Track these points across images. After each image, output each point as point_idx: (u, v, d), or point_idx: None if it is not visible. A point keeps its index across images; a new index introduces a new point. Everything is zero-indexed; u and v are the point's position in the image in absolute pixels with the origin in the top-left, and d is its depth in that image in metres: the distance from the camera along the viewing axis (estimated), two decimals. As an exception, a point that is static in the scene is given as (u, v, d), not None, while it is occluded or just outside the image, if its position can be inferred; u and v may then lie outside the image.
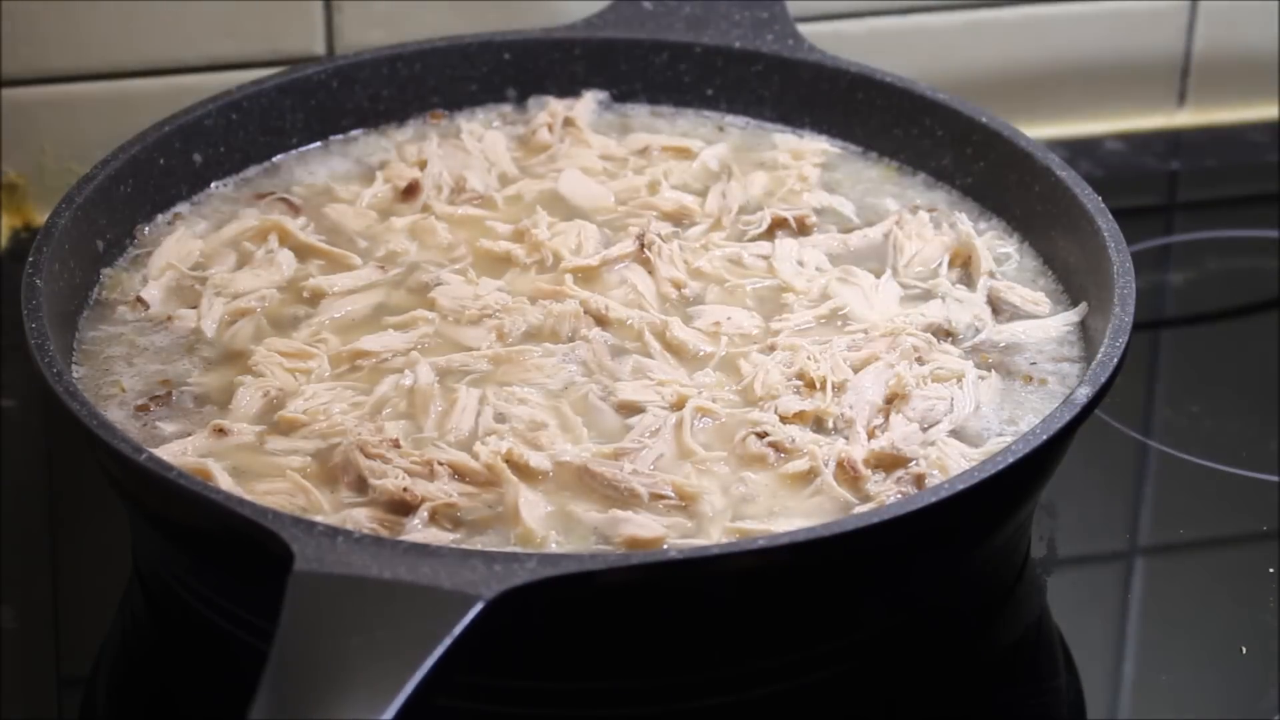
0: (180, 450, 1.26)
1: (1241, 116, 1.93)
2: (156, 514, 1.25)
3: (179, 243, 1.45)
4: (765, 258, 1.45)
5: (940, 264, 1.45)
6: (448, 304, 1.39)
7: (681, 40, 1.60)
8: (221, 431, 1.27)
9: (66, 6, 1.68)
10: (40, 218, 1.72)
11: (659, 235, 1.44)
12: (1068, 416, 1.22)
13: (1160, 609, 1.40)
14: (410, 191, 1.51)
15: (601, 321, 1.38)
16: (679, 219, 1.50)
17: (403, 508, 1.21)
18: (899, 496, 1.23)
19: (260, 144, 1.54)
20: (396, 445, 1.25)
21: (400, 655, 1.03)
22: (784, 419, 1.29)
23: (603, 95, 1.62)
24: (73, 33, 1.69)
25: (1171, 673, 1.34)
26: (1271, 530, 1.44)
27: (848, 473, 1.25)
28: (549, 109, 1.60)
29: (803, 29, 1.60)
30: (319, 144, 1.57)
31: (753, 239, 1.47)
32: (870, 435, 1.28)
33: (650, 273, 1.42)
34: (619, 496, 1.23)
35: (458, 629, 1.04)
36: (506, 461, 1.25)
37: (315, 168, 1.55)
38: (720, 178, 1.54)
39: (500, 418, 1.29)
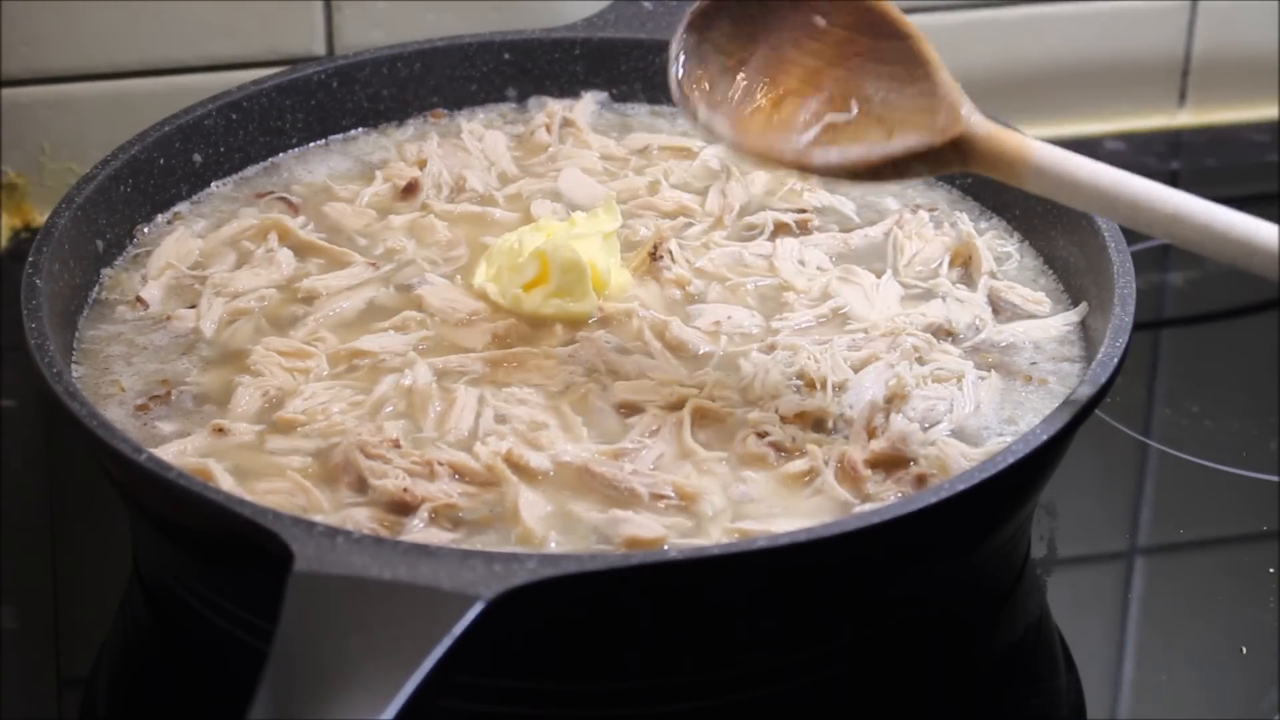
0: (180, 450, 1.26)
1: (1241, 116, 1.93)
2: (156, 514, 1.25)
3: (179, 242, 1.45)
4: (766, 257, 1.45)
5: (941, 264, 1.45)
6: (436, 303, 1.39)
7: (682, 40, 1.60)
8: (221, 431, 1.27)
9: (66, 6, 1.68)
10: (40, 218, 1.72)
11: (669, 251, 1.43)
12: (1068, 416, 1.22)
13: (1160, 609, 1.39)
14: (410, 190, 1.51)
15: (602, 320, 1.38)
16: (679, 218, 1.50)
17: (403, 508, 1.21)
18: (899, 496, 1.23)
19: (260, 144, 1.54)
20: (396, 445, 1.25)
21: (400, 655, 1.03)
22: (784, 419, 1.29)
23: (602, 95, 1.62)
24: (73, 33, 1.69)
25: (1171, 673, 1.34)
26: (1271, 530, 1.44)
27: (848, 473, 1.25)
28: (548, 109, 1.60)
29: (803, 29, 1.60)
30: (319, 143, 1.57)
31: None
32: (870, 435, 1.28)
33: (655, 279, 1.42)
34: (619, 496, 1.23)
35: (458, 629, 1.04)
36: (506, 461, 1.24)
37: (315, 167, 1.55)
38: (720, 177, 1.54)
39: (500, 418, 1.29)
